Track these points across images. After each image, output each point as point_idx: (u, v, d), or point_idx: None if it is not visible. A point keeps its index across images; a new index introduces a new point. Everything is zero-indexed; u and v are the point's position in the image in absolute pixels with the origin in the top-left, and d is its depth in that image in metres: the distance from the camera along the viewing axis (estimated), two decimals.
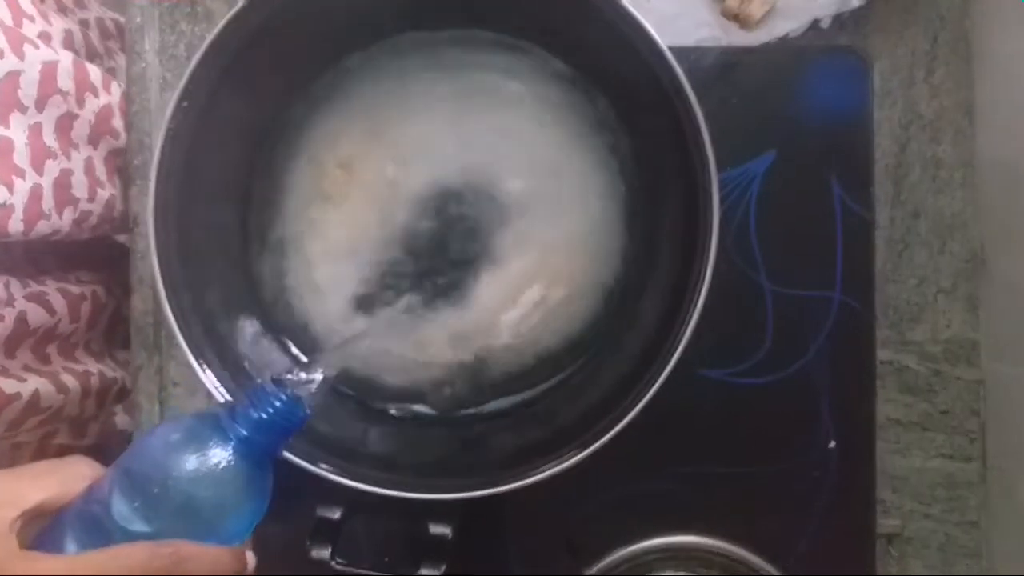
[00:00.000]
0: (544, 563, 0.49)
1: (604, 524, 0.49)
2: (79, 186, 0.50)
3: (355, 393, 0.47)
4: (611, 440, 0.39)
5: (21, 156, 0.45)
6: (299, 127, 0.46)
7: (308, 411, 0.36)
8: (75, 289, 0.55)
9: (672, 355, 0.39)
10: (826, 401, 0.49)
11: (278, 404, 0.34)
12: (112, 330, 0.62)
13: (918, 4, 0.54)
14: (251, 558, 0.35)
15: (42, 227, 0.47)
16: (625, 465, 0.48)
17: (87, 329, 0.57)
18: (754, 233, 0.49)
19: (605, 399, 0.42)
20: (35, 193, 0.46)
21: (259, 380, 0.40)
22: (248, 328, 0.45)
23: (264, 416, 0.34)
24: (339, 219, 0.46)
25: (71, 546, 0.32)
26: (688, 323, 0.39)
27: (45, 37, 0.51)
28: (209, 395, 0.41)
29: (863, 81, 0.49)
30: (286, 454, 0.38)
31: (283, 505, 0.49)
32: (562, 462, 0.39)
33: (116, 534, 0.32)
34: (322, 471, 0.39)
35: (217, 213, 0.45)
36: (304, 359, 0.46)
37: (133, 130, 0.54)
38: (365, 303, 0.46)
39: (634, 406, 0.39)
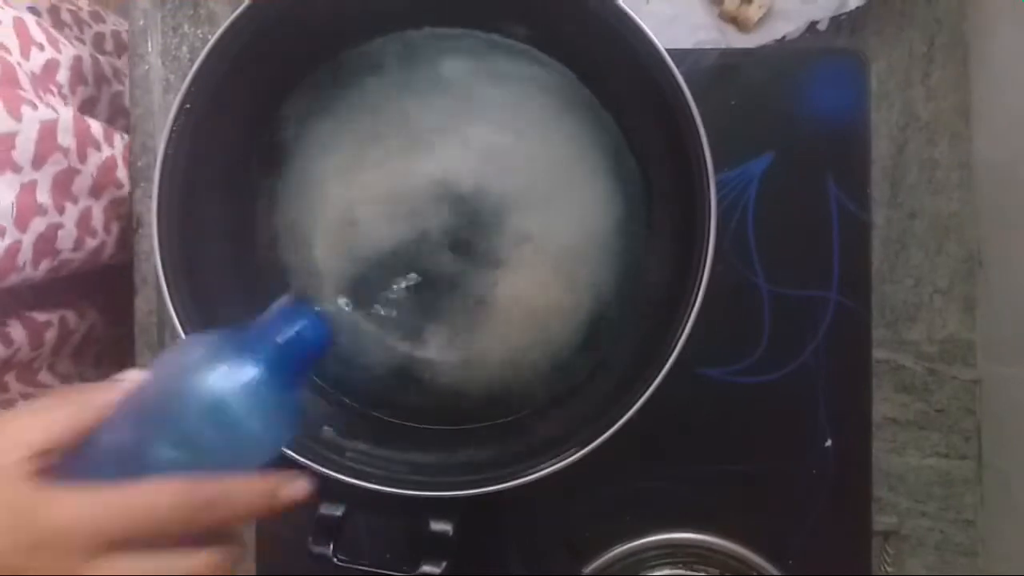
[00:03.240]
0: (544, 560, 0.50)
1: (603, 521, 0.49)
2: (66, 238, 0.50)
3: (357, 402, 0.47)
4: (610, 438, 0.39)
5: (4, 216, 0.45)
6: (302, 126, 0.47)
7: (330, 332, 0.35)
8: (40, 317, 0.54)
9: (670, 354, 0.39)
10: (823, 400, 0.49)
11: (307, 320, 0.34)
12: (81, 351, 0.60)
13: (915, 6, 0.54)
14: (298, 485, 0.33)
15: (12, 279, 0.47)
16: (624, 463, 0.49)
17: (51, 354, 0.56)
18: (752, 234, 0.49)
19: (604, 397, 0.42)
20: (11, 250, 0.46)
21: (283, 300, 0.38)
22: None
23: (293, 334, 0.33)
24: (342, 219, 0.46)
25: (95, 480, 0.29)
26: (686, 323, 0.39)
27: (51, 71, 0.51)
28: None
29: (860, 83, 0.50)
30: (288, 452, 0.39)
31: None
32: (562, 460, 0.39)
33: (141, 460, 0.30)
34: (324, 468, 0.39)
35: (220, 213, 0.45)
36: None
37: (137, 132, 0.54)
38: (368, 302, 0.46)
39: (633, 404, 0.39)
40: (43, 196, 0.48)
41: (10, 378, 0.53)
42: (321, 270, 0.47)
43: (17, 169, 0.46)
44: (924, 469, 0.54)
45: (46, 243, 0.48)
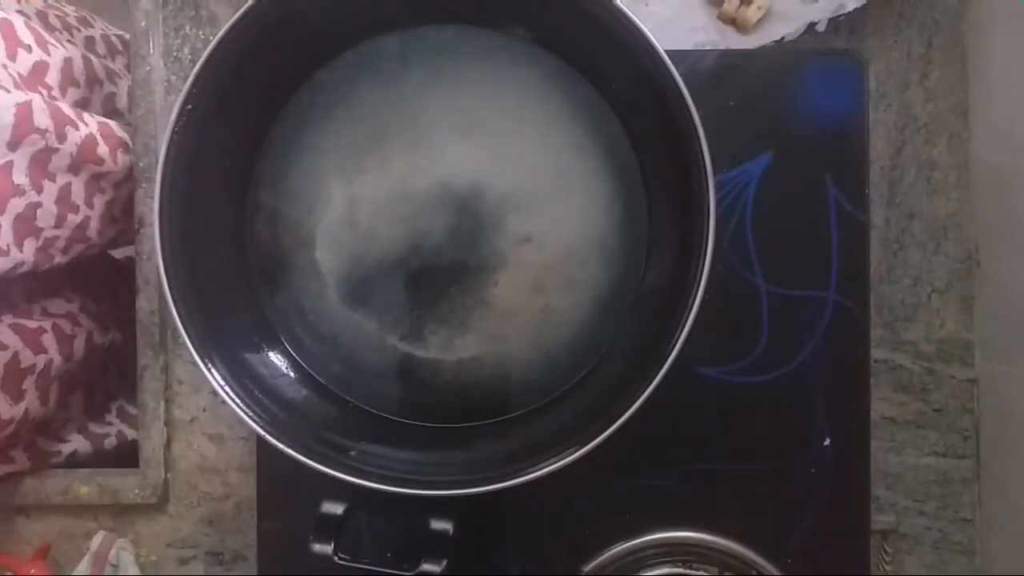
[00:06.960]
0: (543, 558, 0.50)
1: (602, 520, 0.50)
2: (45, 216, 0.50)
3: (358, 401, 0.47)
4: (609, 437, 0.39)
5: None
6: (303, 128, 0.47)
7: None
8: (31, 324, 0.54)
9: (669, 354, 0.39)
10: (821, 399, 0.49)
11: None
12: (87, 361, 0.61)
13: (913, 8, 0.54)
14: None
15: (2, 265, 0.47)
16: (623, 462, 0.49)
17: (63, 359, 0.57)
18: (750, 234, 0.50)
19: (603, 396, 0.43)
20: None
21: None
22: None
23: None
24: (342, 220, 0.47)
25: None
26: (685, 322, 0.39)
27: (39, 72, 0.51)
28: (214, 393, 0.42)
29: (859, 84, 0.50)
30: (289, 450, 0.39)
31: (286, 501, 0.50)
32: (561, 459, 0.39)
33: None
34: (325, 468, 0.40)
35: (221, 213, 0.46)
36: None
37: (139, 133, 0.55)
38: (367, 303, 0.46)
39: (632, 404, 0.39)
40: (20, 177, 0.48)
41: (28, 385, 0.53)
42: (322, 271, 0.47)
43: None
44: (922, 468, 0.54)
45: (26, 223, 0.49)
